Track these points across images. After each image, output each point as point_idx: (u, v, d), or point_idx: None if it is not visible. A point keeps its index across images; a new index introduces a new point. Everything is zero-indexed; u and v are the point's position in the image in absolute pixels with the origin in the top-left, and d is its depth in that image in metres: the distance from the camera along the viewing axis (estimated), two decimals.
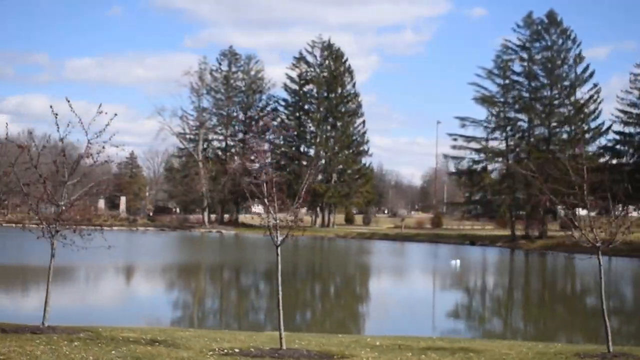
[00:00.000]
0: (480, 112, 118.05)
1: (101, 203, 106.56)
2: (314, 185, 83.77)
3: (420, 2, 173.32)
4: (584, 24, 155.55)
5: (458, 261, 41.76)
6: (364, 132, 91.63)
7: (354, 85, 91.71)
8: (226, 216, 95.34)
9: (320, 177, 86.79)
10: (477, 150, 72.84)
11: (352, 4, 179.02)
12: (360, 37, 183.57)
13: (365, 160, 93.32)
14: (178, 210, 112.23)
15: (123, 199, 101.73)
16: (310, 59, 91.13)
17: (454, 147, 73.13)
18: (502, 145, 72.93)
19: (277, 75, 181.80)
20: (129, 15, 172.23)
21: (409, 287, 35.08)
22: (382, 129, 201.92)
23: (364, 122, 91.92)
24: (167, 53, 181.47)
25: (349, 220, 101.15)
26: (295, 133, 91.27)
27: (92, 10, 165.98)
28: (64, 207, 12.54)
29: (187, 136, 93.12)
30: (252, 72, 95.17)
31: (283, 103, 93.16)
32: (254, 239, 70.10)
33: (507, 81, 72.86)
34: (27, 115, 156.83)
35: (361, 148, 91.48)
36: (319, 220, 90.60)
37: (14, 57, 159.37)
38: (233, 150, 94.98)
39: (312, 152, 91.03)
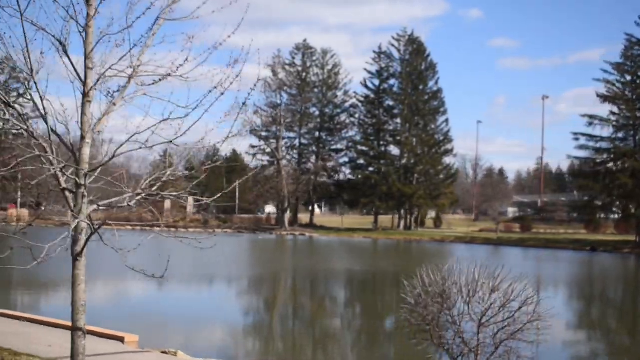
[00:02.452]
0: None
1: (167, 203, 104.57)
2: (400, 186, 79.51)
3: (417, 3, 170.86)
4: (574, 28, 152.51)
5: None
6: (448, 131, 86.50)
7: (437, 82, 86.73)
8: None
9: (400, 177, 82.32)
10: (604, 151, 66.99)
11: (349, 4, 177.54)
12: (356, 38, 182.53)
13: (449, 160, 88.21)
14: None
15: (190, 199, 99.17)
16: (390, 53, 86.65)
17: (580, 147, 67.32)
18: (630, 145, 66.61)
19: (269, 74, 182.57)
20: (120, 14, 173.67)
21: None
22: None
23: (447, 120, 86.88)
24: (159, 51, 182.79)
25: (423, 223, 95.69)
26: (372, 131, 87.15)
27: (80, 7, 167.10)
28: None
29: (260, 133, 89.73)
30: (328, 67, 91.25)
31: (362, 99, 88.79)
32: (347, 242, 66.30)
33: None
34: None
35: (445, 147, 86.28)
36: (395, 221, 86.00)
37: None
38: (310, 149, 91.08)
39: (393, 150, 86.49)
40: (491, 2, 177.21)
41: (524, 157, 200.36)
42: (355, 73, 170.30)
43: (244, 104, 8.23)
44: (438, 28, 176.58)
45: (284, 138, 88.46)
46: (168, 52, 8.01)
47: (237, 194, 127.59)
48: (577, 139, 67.22)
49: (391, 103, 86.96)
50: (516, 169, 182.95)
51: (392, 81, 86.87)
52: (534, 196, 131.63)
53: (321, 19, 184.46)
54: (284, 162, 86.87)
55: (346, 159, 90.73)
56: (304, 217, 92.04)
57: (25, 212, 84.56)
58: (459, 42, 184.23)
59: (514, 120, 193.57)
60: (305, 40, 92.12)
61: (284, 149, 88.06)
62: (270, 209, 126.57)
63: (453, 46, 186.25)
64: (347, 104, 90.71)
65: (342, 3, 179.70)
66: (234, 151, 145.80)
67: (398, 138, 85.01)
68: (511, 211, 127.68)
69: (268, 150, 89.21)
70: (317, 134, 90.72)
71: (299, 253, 54.73)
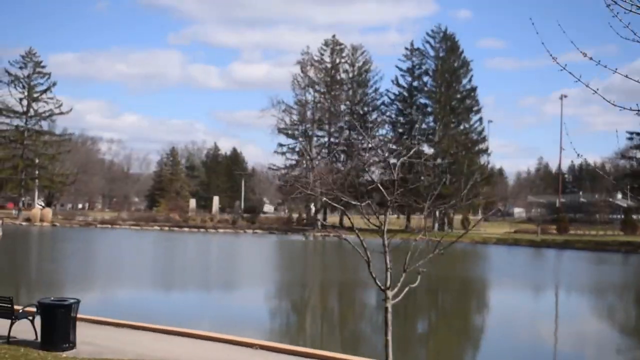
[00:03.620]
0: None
1: (192, 202, 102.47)
2: (437, 186, 77.14)
3: (406, 3, 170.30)
4: (564, 28, 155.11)
5: None
6: (482, 130, 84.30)
7: (470, 80, 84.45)
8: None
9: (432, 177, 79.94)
10: None
11: (338, 3, 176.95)
12: (344, 37, 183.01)
13: (483, 159, 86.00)
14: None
15: (216, 199, 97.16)
16: (423, 50, 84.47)
17: (635, 146, 65.24)
18: None
19: (260, 73, 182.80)
20: (114, 11, 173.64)
21: None
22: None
23: (480, 119, 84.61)
24: (150, 49, 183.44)
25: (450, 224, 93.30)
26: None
27: (77, 6, 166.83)
28: None
29: (289, 131, 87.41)
30: (358, 64, 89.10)
31: (392, 97, 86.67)
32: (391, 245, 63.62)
33: None
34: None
35: (480, 146, 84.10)
36: (421, 222, 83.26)
37: None
38: (340, 148, 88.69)
39: (425, 149, 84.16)
40: (480, 3, 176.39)
41: (512, 156, 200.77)
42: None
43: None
44: (427, 28, 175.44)
45: (309, 136, 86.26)
46: None
47: (243, 193, 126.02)
48: (630, 138, 65.15)
49: (424, 101, 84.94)
50: (508, 169, 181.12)
51: (424, 79, 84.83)
52: (548, 196, 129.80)
53: (309, 17, 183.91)
54: (310, 161, 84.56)
55: (376, 158, 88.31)
56: (329, 218, 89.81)
57: (48, 210, 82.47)
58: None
59: (502, 120, 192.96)
60: (334, 36, 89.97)
61: (312, 147, 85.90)
62: (267, 208, 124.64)
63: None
64: (377, 102, 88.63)
65: (331, 2, 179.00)
66: (234, 149, 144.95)
67: (431, 137, 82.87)
68: (517, 212, 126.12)
69: (297, 149, 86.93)
70: (346, 132, 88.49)
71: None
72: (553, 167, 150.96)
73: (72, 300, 12.14)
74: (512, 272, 39.54)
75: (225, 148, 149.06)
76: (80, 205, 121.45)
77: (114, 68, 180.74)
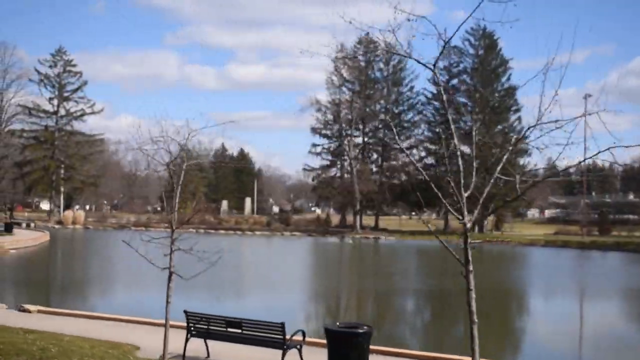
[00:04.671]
0: None
1: (224, 204, 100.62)
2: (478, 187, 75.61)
3: (402, 4, 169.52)
4: (560, 29, 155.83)
5: None
6: (521, 130, 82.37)
7: (509, 78, 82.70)
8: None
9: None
10: None
11: (333, 4, 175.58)
12: (340, 38, 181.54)
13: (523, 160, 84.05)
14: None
15: (248, 200, 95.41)
16: (461, 48, 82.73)
17: None
18: None
19: (256, 74, 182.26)
20: (110, 12, 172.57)
21: None
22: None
23: (519, 118, 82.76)
24: (147, 50, 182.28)
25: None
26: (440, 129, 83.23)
27: (73, 6, 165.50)
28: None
29: (323, 131, 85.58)
30: (393, 62, 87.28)
31: (430, 95, 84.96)
32: (430, 247, 62.20)
33: None
34: None
35: (520, 147, 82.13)
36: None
37: None
38: (375, 148, 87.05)
39: (464, 149, 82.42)
40: (476, 4, 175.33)
41: None
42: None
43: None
44: (424, 29, 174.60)
45: (348, 136, 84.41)
46: None
47: (255, 194, 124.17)
48: None
49: (462, 100, 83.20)
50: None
51: (462, 77, 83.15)
52: (570, 197, 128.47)
53: (305, 18, 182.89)
54: (349, 161, 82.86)
55: (410, 159, 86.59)
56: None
57: (80, 213, 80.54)
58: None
59: None
60: (367, 34, 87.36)
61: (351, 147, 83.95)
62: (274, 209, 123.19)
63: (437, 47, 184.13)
64: (413, 101, 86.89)
65: (327, 3, 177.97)
66: (242, 150, 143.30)
67: (469, 137, 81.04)
68: (529, 213, 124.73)
69: (331, 149, 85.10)
70: (381, 132, 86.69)
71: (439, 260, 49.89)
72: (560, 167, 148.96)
73: (365, 328, 10.31)
74: (593, 278, 37.38)
75: (232, 149, 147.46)
76: (91, 207, 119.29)
77: (110, 69, 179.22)
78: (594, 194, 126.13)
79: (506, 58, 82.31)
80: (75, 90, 79.60)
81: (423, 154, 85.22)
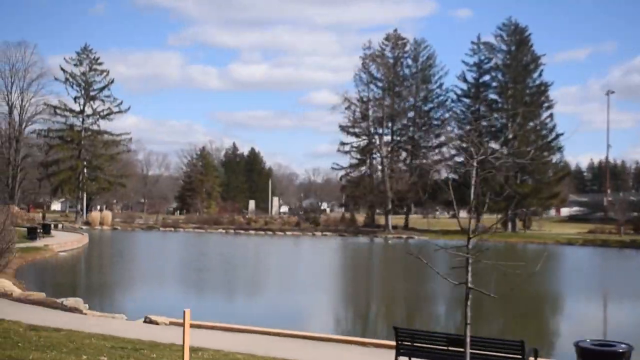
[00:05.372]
0: None
1: (252, 204, 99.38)
2: (515, 186, 74.48)
3: (406, 2, 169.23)
4: (562, 27, 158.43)
5: None
6: (554, 127, 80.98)
7: (540, 74, 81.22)
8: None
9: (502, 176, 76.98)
10: None
11: (337, 3, 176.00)
12: (343, 37, 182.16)
13: (556, 157, 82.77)
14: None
15: (275, 200, 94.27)
16: (492, 44, 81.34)
17: None
18: None
19: (259, 74, 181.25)
20: (113, 13, 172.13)
21: None
22: None
23: (551, 115, 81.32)
24: (150, 51, 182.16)
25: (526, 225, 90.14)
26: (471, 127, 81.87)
27: (75, 7, 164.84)
28: None
29: (350, 130, 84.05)
30: (422, 59, 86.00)
31: (460, 92, 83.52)
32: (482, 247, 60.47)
33: None
34: None
35: (553, 144, 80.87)
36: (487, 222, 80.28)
37: None
38: (404, 146, 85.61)
39: (495, 146, 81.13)
40: (480, 1, 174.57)
41: None
42: (344, 72, 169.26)
43: None
44: (427, 28, 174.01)
45: (379, 134, 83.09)
46: None
47: (270, 193, 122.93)
48: None
49: (493, 97, 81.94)
50: None
51: (492, 74, 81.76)
52: (591, 195, 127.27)
53: (308, 18, 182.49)
54: (378, 159, 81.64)
55: (440, 157, 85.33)
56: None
57: (108, 214, 79.34)
58: (448, 41, 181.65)
59: None
60: (395, 30, 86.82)
61: (382, 145, 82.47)
62: (283, 209, 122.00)
63: (442, 45, 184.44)
64: (442, 98, 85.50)
65: (329, 2, 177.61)
66: (253, 149, 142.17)
67: (499, 134, 79.90)
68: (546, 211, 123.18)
69: (360, 147, 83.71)
70: (410, 130, 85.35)
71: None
72: (572, 165, 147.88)
73: (623, 346, 9.02)
74: None
75: (244, 148, 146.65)
76: (101, 208, 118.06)
77: (113, 69, 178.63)
78: (609, 191, 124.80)
79: (538, 54, 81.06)
80: (102, 89, 78.26)
81: (453, 151, 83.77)
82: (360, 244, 63.10)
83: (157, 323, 14.87)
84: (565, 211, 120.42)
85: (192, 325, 14.44)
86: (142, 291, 26.22)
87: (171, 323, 14.76)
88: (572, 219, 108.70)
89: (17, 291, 19.09)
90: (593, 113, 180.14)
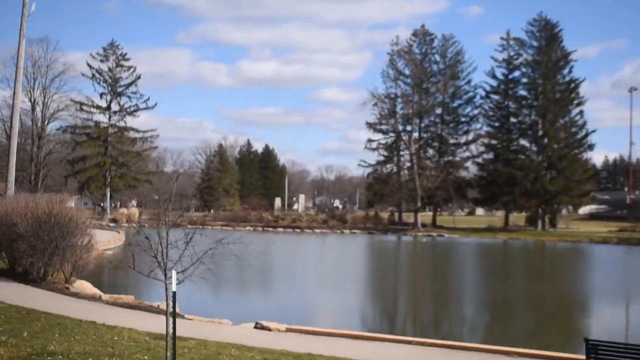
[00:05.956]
0: None
1: (278, 201, 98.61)
2: (545, 183, 73.61)
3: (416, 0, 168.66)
4: (573, 24, 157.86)
5: None
6: (584, 124, 79.64)
7: (570, 70, 79.92)
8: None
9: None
10: None
11: (347, 0, 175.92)
12: (353, 34, 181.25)
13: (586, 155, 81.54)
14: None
15: (302, 197, 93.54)
16: (522, 40, 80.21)
17: None
18: None
19: (269, 71, 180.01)
20: (123, 10, 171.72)
21: None
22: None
23: (581, 112, 79.99)
24: (159, 48, 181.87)
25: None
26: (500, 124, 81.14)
27: (86, 4, 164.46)
28: None
29: (376, 127, 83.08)
30: (450, 55, 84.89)
31: (488, 88, 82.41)
32: (496, 244, 60.17)
33: None
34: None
35: (583, 141, 79.59)
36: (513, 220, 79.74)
37: (2, 51, 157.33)
38: (432, 143, 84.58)
39: (524, 143, 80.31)
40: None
41: None
42: (352, 70, 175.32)
43: None
44: (438, 25, 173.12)
45: (407, 131, 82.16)
46: None
47: (287, 191, 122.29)
48: None
49: (523, 93, 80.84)
50: None
51: (523, 70, 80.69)
52: (612, 193, 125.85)
53: (318, 15, 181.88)
54: (406, 156, 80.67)
55: (468, 154, 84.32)
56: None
57: (135, 211, 78.62)
58: (459, 38, 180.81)
59: None
60: (423, 26, 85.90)
61: (408, 143, 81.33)
62: (295, 206, 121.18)
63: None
64: (470, 94, 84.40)
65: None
66: (266, 146, 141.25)
67: (529, 132, 78.97)
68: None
69: (386, 144, 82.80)
70: (438, 127, 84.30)
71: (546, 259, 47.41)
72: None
73: None
74: None
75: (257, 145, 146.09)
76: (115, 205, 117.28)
77: None
78: (626, 189, 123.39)
79: (568, 50, 79.90)
80: (129, 85, 77.42)
81: (482, 148, 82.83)
82: (394, 242, 62.36)
83: (269, 329, 14.04)
84: (584, 209, 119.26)
85: (311, 332, 13.63)
86: (215, 292, 25.35)
87: (288, 330, 13.92)
88: (592, 217, 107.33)
89: (97, 293, 18.31)
90: (604, 110, 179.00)
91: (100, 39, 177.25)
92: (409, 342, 12.72)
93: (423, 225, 76.55)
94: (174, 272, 8.27)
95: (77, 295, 17.18)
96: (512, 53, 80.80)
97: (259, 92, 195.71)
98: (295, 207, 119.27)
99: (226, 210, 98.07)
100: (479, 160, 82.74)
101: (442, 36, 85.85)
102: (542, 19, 79.14)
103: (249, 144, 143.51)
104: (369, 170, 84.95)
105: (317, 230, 73.52)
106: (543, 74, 77.77)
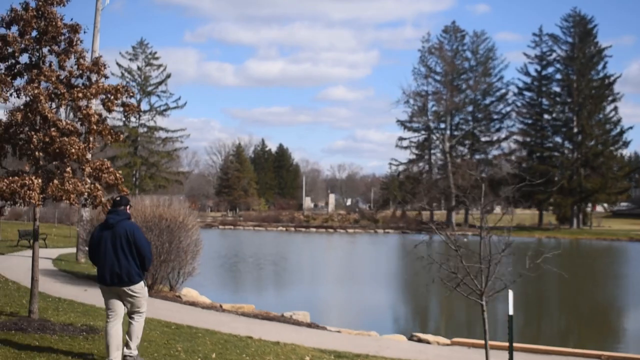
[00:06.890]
0: None
1: (307, 201, 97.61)
2: (583, 180, 72.54)
3: None
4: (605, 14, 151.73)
5: None
6: (619, 121, 78.34)
7: (604, 66, 78.69)
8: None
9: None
10: None
11: None
12: (360, 33, 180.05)
13: (622, 152, 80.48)
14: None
15: (332, 197, 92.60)
16: (556, 36, 79.08)
17: None
18: None
19: (276, 70, 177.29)
20: (130, 10, 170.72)
21: None
22: (380, 124, 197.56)
23: (615, 108, 78.68)
24: (166, 47, 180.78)
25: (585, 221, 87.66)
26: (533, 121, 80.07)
27: (92, 4, 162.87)
28: None
29: (407, 124, 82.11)
30: (481, 52, 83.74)
31: (521, 85, 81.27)
32: (569, 245, 58.61)
33: None
34: None
35: (617, 138, 78.34)
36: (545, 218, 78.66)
37: None
38: (465, 141, 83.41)
39: (557, 140, 79.18)
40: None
41: None
42: (359, 68, 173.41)
43: None
44: (445, 23, 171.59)
45: (440, 129, 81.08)
46: None
47: (304, 190, 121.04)
48: None
49: (557, 90, 79.69)
50: None
51: (555, 66, 79.60)
52: (636, 190, 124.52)
53: (325, 14, 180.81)
54: (438, 155, 79.63)
55: (499, 152, 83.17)
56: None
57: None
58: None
59: None
60: (454, 22, 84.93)
61: (442, 141, 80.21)
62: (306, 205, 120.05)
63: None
64: (502, 91, 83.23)
65: None
66: (281, 146, 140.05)
67: (564, 129, 77.86)
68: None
69: (417, 142, 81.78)
70: (470, 124, 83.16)
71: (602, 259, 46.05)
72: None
73: None
74: None
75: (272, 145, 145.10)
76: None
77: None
78: None
79: (602, 46, 78.72)
80: (159, 84, 76.51)
81: (514, 146, 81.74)
82: (435, 242, 61.04)
83: (428, 342, 13.07)
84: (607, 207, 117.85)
85: (475, 346, 12.58)
86: (302, 295, 24.32)
87: (454, 343, 12.92)
88: (615, 214, 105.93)
89: (215, 302, 17.37)
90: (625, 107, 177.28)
91: (106, 39, 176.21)
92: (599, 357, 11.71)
93: (458, 224, 75.45)
94: (510, 292, 7.30)
95: (194, 304, 16.22)
96: (545, 49, 79.74)
97: (266, 91, 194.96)
98: (318, 206, 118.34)
99: (251, 211, 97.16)
100: (512, 157, 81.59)
101: (474, 32, 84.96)
102: (577, 14, 78.02)
103: (263, 143, 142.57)
104: (401, 168, 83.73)
105: (350, 230, 72.58)
106: (577, 70, 76.64)
